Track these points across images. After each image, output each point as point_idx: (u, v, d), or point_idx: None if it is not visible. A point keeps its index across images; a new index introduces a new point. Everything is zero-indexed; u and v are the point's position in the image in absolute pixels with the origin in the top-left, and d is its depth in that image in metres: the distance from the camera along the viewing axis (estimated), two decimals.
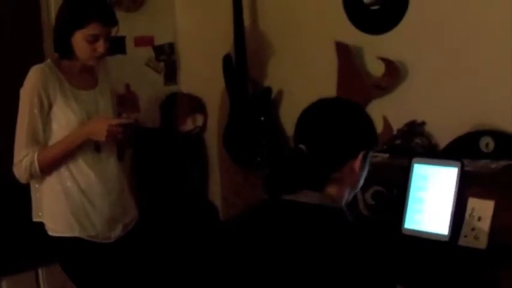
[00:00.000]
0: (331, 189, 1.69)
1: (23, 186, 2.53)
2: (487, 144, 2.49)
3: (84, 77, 2.56)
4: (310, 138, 1.71)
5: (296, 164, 1.68)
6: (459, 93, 2.65)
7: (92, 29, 2.41)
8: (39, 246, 2.57)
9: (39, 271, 3.26)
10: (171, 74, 4.01)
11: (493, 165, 2.36)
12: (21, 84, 2.47)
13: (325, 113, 1.74)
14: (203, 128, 3.97)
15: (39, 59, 2.54)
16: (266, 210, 1.72)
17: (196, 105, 3.97)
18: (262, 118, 3.40)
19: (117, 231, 2.59)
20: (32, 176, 2.47)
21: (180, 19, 3.99)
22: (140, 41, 3.87)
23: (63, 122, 2.47)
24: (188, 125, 4.00)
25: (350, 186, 1.73)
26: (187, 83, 4.01)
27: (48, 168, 2.47)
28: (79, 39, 2.43)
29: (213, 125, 3.89)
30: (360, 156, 1.71)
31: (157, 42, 3.94)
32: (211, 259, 1.79)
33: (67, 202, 2.50)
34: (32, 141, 2.44)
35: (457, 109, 2.65)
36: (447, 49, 2.68)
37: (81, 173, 2.51)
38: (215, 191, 3.92)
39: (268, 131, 3.39)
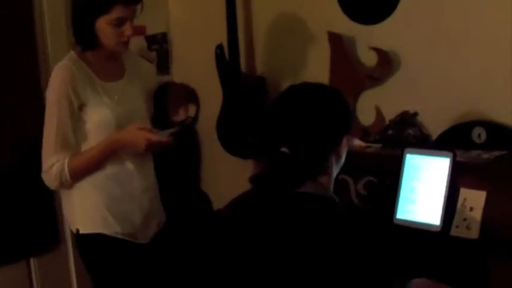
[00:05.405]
0: (322, 178, 1.70)
1: (14, 176, 2.52)
2: (479, 134, 2.49)
3: (112, 68, 2.41)
4: (292, 139, 1.68)
5: (286, 170, 1.67)
6: (452, 83, 2.65)
7: (116, 13, 2.23)
8: (31, 236, 2.56)
9: (31, 261, 3.25)
10: (163, 63, 3.99)
11: (485, 156, 2.36)
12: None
13: (299, 108, 1.70)
14: (196, 117, 3.95)
15: (32, 55, 2.44)
16: (261, 200, 1.72)
17: (189, 95, 3.95)
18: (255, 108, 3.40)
19: (152, 231, 2.47)
20: (62, 184, 2.30)
21: (173, 8, 3.97)
22: None
23: (97, 119, 2.31)
24: (180, 115, 3.98)
25: (336, 169, 1.76)
26: (180, 72, 3.99)
27: (80, 175, 2.31)
28: (103, 26, 2.26)
29: (205, 115, 3.86)
30: (344, 141, 1.71)
31: (150, 31, 3.90)
32: (208, 250, 1.79)
33: (103, 196, 2.36)
34: (61, 147, 2.27)
35: (449, 100, 2.65)
36: (440, 40, 2.67)
37: (122, 167, 2.40)
38: (208, 180, 3.92)
39: (261, 121, 3.38)
